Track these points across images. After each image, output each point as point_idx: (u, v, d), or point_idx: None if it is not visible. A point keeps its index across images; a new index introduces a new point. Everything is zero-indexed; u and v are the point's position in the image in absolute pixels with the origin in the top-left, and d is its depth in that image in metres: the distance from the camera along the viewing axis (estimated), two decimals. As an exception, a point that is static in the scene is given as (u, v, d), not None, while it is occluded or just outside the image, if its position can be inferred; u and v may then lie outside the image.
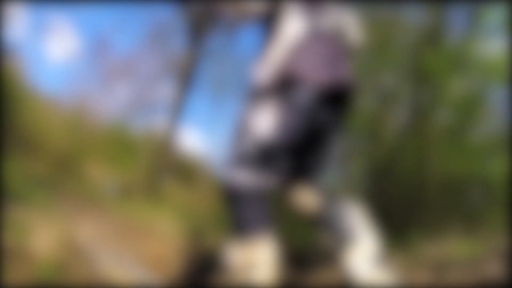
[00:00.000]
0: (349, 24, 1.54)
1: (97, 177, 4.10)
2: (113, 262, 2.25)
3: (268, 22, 1.41)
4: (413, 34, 3.79)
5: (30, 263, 1.83)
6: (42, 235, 2.05)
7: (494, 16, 3.37)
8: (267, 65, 1.33)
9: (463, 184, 3.37)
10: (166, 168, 4.89)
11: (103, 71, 5.61)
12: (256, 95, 1.35)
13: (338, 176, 4.37)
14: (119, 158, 4.63)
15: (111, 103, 5.54)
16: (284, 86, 1.29)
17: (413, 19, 3.83)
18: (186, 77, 5.18)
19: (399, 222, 3.18)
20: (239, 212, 1.35)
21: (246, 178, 1.31)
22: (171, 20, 5.34)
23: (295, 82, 1.28)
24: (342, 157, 4.23)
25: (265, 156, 1.29)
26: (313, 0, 1.42)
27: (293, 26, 1.34)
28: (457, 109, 3.55)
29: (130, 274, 2.21)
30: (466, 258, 2.20)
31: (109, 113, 5.34)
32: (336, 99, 1.41)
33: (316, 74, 1.32)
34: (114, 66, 5.68)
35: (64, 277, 1.86)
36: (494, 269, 1.94)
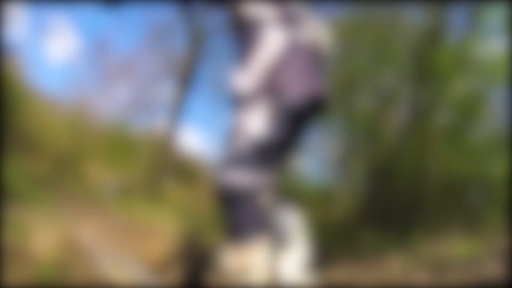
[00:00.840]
0: (321, 33, 1.60)
1: (97, 177, 4.09)
2: (113, 262, 2.25)
3: (243, 30, 1.46)
4: (413, 34, 3.79)
5: (30, 263, 1.83)
6: (42, 235, 2.05)
7: (494, 16, 3.37)
8: (250, 75, 1.39)
9: (463, 184, 3.38)
10: (166, 168, 4.89)
11: (103, 71, 5.62)
12: (241, 100, 1.39)
13: (338, 176, 4.37)
14: (119, 158, 4.63)
15: (111, 103, 5.54)
16: (268, 93, 1.36)
17: (413, 19, 3.83)
18: (186, 77, 5.18)
19: (399, 222, 3.18)
20: (234, 215, 1.35)
21: (243, 179, 1.33)
22: (171, 20, 5.35)
23: (279, 92, 1.36)
24: (342, 157, 4.23)
25: (260, 155, 1.34)
26: (290, 12, 1.48)
27: (274, 38, 1.40)
28: (457, 109, 3.55)
29: (130, 274, 2.21)
30: (466, 258, 2.20)
31: (109, 113, 5.34)
32: (311, 110, 1.49)
33: (297, 87, 1.40)
34: (114, 66, 5.68)
35: (64, 277, 1.86)
36: (494, 269, 1.94)
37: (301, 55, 1.45)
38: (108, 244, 2.51)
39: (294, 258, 1.42)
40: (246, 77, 1.39)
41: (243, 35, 1.47)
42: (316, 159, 4.51)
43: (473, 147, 3.52)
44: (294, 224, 1.46)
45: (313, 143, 4.44)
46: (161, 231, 3.12)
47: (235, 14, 1.47)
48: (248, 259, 1.33)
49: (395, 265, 2.37)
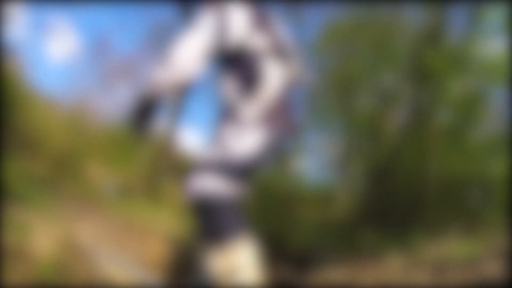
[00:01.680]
0: (300, 67, 1.77)
1: (97, 177, 4.09)
2: (113, 262, 2.25)
3: (238, 59, 1.60)
4: (413, 34, 3.79)
5: (30, 263, 1.83)
6: (42, 235, 2.05)
7: (494, 16, 3.37)
8: (255, 104, 1.56)
9: (463, 184, 3.37)
10: (166, 168, 4.89)
11: (103, 71, 5.62)
12: (239, 121, 1.56)
13: (338, 176, 4.37)
14: (119, 158, 4.63)
15: (111, 103, 5.54)
16: (266, 122, 1.55)
17: (413, 19, 3.83)
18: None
19: (399, 222, 3.18)
20: (215, 219, 1.44)
21: (222, 186, 1.46)
22: (171, 20, 5.34)
23: (274, 124, 1.56)
24: (342, 157, 4.23)
25: (241, 170, 1.52)
26: (280, 44, 1.65)
27: (275, 74, 1.58)
28: (457, 109, 3.55)
29: (130, 274, 2.21)
30: (466, 258, 2.20)
31: (109, 113, 5.34)
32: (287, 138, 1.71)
33: (287, 121, 1.61)
34: (114, 67, 5.68)
35: (64, 277, 1.86)
36: (494, 269, 1.94)
37: (289, 90, 1.65)
38: (108, 244, 2.52)
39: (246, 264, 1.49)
40: (252, 106, 1.56)
41: (239, 64, 1.61)
42: (316, 159, 4.51)
43: (473, 147, 3.52)
44: (249, 253, 1.52)
45: (313, 143, 4.44)
46: (161, 231, 3.12)
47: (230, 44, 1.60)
48: (236, 259, 1.41)
49: (395, 265, 2.37)
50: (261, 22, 1.63)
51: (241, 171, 1.52)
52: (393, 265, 2.38)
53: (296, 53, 1.74)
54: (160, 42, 5.64)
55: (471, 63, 3.53)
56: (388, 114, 3.88)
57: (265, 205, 4.01)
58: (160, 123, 5.39)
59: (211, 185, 1.46)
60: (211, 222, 1.45)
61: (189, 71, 1.56)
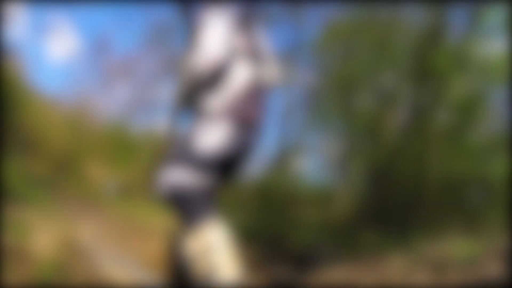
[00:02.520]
0: (274, 69, 1.90)
1: (97, 177, 4.10)
2: (113, 262, 2.25)
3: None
4: (413, 34, 3.79)
5: (30, 263, 1.83)
6: (42, 235, 2.05)
7: (494, 16, 3.37)
8: (220, 99, 1.70)
9: (463, 184, 3.37)
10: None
11: (103, 71, 5.61)
12: (206, 115, 1.69)
13: (338, 176, 4.37)
14: (119, 158, 4.63)
15: (111, 103, 5.53)
16: (231, 117, 1.69)
17: (413, 19, 3.83)
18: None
19: (399, 222, 3.18)
20: (185, 207, 1.58)
21: (189, 177, 1.59)
22: (171, 20, 5.34)
23: (240, 119, 1.69)
24: (342, 157, 4.23)
25: (209, 161, 1.62)
26: (254, 46, 1.78)
27: (242, 73, 1.72)
28: (457, 109, 3.55)
29: (129, 274, 2.21)
30: (466, 258, 2.20)
31: (109, 113, 5.34)
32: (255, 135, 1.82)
33: (253, 118, 1.73)
34: (114, 66, 5.68)
35: (64, 277, 1.86)
36: (494, 269, 1.94)
37: (259, 89, 1.78)
38: (108, 244, 2.52)
39: (224, 262, 1.62)
40: (217, 100, 1.70)
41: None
42: (316, 159, 4.52)
43: (473, 147, 3.52)
44: (221, 233, 1.65)
45: (313, 143, 4.44)
46: (160, 231, 3.12)
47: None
48: (206, 240, 1.55)
49: (395, 265, 2.37)
50: (242, 23, 1.78)
51: (208, 162, 1.62)
52: (393, 265, 2.38)
53: (273, 58, 1.89)
54: (160, 42, 5.64)
55: (471, 63, 3.53)
56: (388, 114, 3.88)
57: (265, 205, 4.01)
58: (160, 123, 5.39)
59: (179, 176, 1.58)
60: (182, 210, 1.58)
61: (219, 56, 1.69)
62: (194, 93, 1.78)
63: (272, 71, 1.87)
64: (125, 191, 4.19)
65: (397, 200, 3.45)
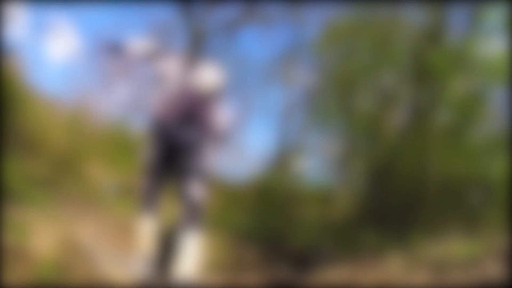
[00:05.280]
0: (210, 77, 2.44)
1: (97, 177, 4.09)
2: (113, 262, 2.25)
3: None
4: (413, 34, 3.79)
5: (30, 263, 1.83)
6: (42, 235, 2.05)
7: (494, 16, 3.37)
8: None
9: (463, 184, 3.37)
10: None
11: (103, 71, 5.61)
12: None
13: (338, 176, 4.37)
14: (119, 158, 4.62)
15: (111, 103, 5.53)
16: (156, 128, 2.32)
17: (413, 19, 3.83)
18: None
19: (399, 222, 3.18)
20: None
21: (143, 183, 2.30)
22: (171, 20, 5.35)
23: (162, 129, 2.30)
24: (342, 157, 4.23)
25: (151, 170, 2.31)
26: (189, 59, 2.45)
27: (169, 89, 2.38)
28: (457, 109, 3.55)
29: (129, 274, 2.21)
30: (466, 258, 2.20)
31: (109, 113, 5.33)
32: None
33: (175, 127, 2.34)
34: (114, 66, 5.67)
35: (64, 277, 1.86)
36: (494, 269, 1.94)
37: (185, 96, 2.29)
38: (108, 244, 2.52)
39: (188, 263, 2.14)
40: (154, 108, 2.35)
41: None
42: (316, 159, 4.51)
43: (473, 147, 3.52)
44: (190, 237, 2.19)
45: (313, 143, 4.44)
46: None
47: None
48: (140, 228, 2.20)
49: (395, 265, 2.37)
50: (188, 63, 2.37)
51: (151, 169, 2.30)
52: (393, 265, 2.38)
53: (207, 64, 2.44)
54: (160, 42, 5.63)
55: (471, 63, 3.53)
56: (388, 114, 3.88)
57: (265, 205, 4.01)
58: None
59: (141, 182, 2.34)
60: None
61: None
62: None
63: (207, 78, 2.34)
64: (125, 191, 4.19)
65: (397, 200, 3.45)
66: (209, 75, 2.36)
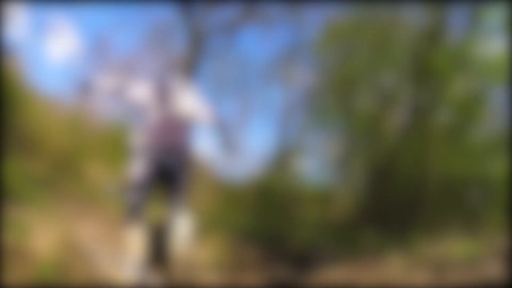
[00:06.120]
0: (189, 104, 2.55)
1: (97, 177, 4.09)
2: (113, 262, 2.25)
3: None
4: (413, 34, 3.79)
5: (30, 263, 1.83)
6: (42, 235, 2.05)
7: (494, 16, 3.37)
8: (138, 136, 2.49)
9: (463, 184, 3.37)
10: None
11: (103, 71, 5.61)
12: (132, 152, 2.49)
13: (338, 176, 4.37)
14: (119, 158, 4.62)
15: (111, 103, 5.53)
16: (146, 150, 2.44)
17: (413, 19, 3.83)
18: (186, 77, 5.18)
19: (399, 222, 3.18)
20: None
21: (130, 197, 2.44)
22: (171, 20, 5.35)
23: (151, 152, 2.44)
24: (342, 157, 4.23)
25: (138, 186, 2.43)
26: (166, 88, 2.51)
27: (151, 117, 2.48)
28: (457, 109, 3.55)
29: (129, 274, 2.21)
30: (466, 258, 2.20)
31: (109, 113, 5.34)
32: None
33: (171, 143, 2.54)
34: (115, 66, 5.68)
35: (64, 277, 1.86)
36: (494, 269, 1.94)
37: (166, 124, 2.43)
38: (108, 244, 2.52)
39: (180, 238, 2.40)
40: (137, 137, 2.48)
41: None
42: (316, 159, 4.51)
43: (473, 147, 3.52)
44: (182, 220, 2.43)
45: (313, 143, 4.44)
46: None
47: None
48: (129, 237, 2.34)
49: (395, 265, 2.37)
50: (162, 92, 2.47)
51: (135, 186, 2.43)
52: (393, 265, 2.38)
53: (186, 91, 2.53)
54: (160, 41, 5.64)
55: (471, 63, 3.53)
56: (388, 114, 3.88)
57: (265, 205, 4.01)
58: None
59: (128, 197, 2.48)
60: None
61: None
62: None
63: (186, 106, 2.47)
64: (125, 191, 4.18)
65: (397, 200, 3.45)
66: (185, 100, 2.50)
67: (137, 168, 2.42)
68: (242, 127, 4.78)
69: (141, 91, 2.49)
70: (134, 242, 2.33)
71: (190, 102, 2.52)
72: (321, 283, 2.42)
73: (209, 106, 2.57)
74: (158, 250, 2.45)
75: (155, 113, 2.43)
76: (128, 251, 2.32)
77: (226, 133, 2.60)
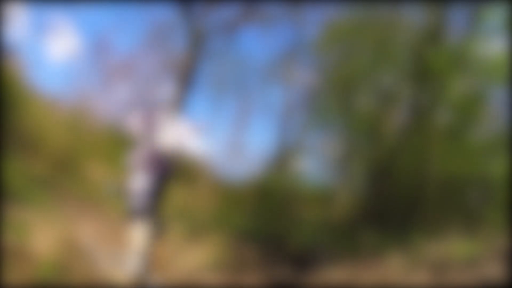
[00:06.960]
0: (174, 136, 2.99)
1: (97, 177, 4.09)
2: (113, 262, 2.25)
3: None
4: (413, 34, 3.79)
5: (30, 263, 1.83)
6: (42, 235, 2.05)
7: (494, 16, 3.37)
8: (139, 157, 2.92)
9: (463, 184, 3.37)
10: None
11: (103, 71, 5.61)
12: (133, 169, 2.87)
13: (338, 176, 4.37)
14: (119, 158, 4.62)
15: (111, 103, 5.53)
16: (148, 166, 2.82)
17: (413, 19, 3.83)
18: (186, 77, 5.18)
19: (399, 222, 3.18)
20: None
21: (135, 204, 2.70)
22: (171, 20, 5.34)
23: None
24: (342, 157, 4.23)
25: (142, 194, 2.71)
26: (153, 121, 2.93)
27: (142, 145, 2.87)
28: (457, 109, 3.55)
29: (129, 274, 2.21)
30: (466, 258, 2.20)
31: (109, 113, 5.33)
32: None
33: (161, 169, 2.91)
34: (114, 66, 5.67)
35: (64, 277, 1.86)
36: (494, 269, 1.94)
37: (152, 155, 2.77)
38: (108, 244, 2.52)
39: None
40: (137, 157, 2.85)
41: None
42: (316, 159, 4.51)
43: (473, 147, 3.52)
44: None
45: (313, 143, 4.44)
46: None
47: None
48: (134, 232, 2.49)
49: (395, 265, 2.37)
50: (150, 121, 2.82)
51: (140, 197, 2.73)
52: (393, 265, 2.38)
53: (173, 122, 2.89)
54: (160, 42, 5.63)
55: (471, 63, 3.53)
56: (388, 114, 3.88)
57: (265, 205, 4.01)
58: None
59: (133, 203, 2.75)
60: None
61: None
62: None
63: (170, 138, 2.82)
64: (125, 191, 4.18)
65: (397, 200, 3.45)
66: (173, 133, 2.87)
67: (142, 180, 2.77)
68: (242, 127, 4.78)
69: (134, 119, 2.97)
70: (136, 242, 2.42)
71: (177, 133, 2.95)
72: (321, 283, 2.42)
73: (199, 134, 3.04)
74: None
75: (142, 143, 2.85)
76: (129, 251, 2.36)
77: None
